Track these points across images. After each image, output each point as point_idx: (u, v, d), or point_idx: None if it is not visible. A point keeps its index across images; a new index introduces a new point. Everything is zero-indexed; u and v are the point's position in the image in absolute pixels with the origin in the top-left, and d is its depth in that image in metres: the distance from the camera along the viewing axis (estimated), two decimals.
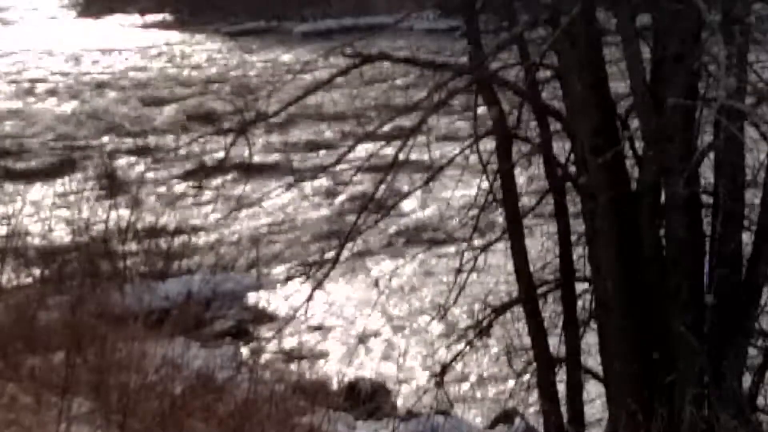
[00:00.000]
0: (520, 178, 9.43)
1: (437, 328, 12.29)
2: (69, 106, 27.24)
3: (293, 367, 8.93)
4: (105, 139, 23.78)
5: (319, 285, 8.43)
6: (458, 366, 10.05)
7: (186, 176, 19.64)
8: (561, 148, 9.25)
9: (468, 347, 9.76)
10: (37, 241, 13.64)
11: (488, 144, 9.10)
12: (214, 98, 25.60)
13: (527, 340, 9.47)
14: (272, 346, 9.63)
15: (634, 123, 8.44)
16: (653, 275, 8.25)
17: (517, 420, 10.46)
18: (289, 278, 12.87)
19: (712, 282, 8.28)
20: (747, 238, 8.49)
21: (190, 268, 14.22)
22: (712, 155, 8.28)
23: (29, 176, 20.07)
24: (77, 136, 23.88)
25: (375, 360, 12.90)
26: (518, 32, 8.60)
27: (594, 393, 10.08)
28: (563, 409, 9.27)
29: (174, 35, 39.17)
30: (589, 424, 9.81)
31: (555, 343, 9.36)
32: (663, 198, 8.27)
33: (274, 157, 20.54)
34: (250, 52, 35.45)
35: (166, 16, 42.71)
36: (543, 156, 9.23)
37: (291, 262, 15.56)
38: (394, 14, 23.94)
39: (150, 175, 20.46)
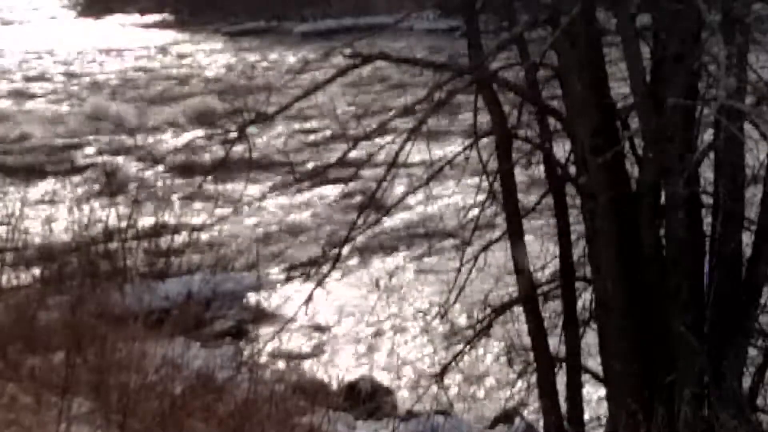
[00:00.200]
0: (520, 178, 9.42)
1: (437, 328, 12.28)
2: (69, 106, 27.26)
3: (293, 367, 8.93)
4: (105, 139, 23.78)
5: (319, 285, 8.43)
6: (458, 366, 10.04)
7: (186, 176, 19.64)
8: (561, 148, 9.25)
9: (468, 347, 9.76)
10: (37, 241, 13.64)
11: (488, 144, 9.10)
12: (214, 98, 25.61)
13: (527, 340, 9.46)
14: (272, 346, 9.61)
15: (635, 123, 8.44)
16: (653, 275, 8.24)
17: (517, 420, 10.46)
18: (289, 278, 12.90)
19: (712, 282, 8.28)
20: (747, 238, 8.49)
21: (190, 268, 14.22)
22: (712, 155, 8.28)
23: (29, 176, 20.06)
24: (77, 136, 23.88)
25: (375, 360, 12.91)
26: (518, 32, 8.59)
27: (594, 393, 10.09)
28: (563, 409, 9.27)
29: (174, 35, 39.21)
30: (589, 424, 9.81)
31: (555, 343, 9.36)
32: (663, 198, 8.28)
33: (275, 157, 20.54)
34: (250, 52, 35.47)
35: (166, 16, 42.77)
36: (543, 156, 9.23)
37: (291, 262, 15.57)
38: (394, 14, 23.95)
39: (150, 175, 20.48)
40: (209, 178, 14.10)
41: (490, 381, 12.10)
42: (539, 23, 8.77)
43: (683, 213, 8.07)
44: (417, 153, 8.33)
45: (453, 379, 10.53)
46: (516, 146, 9.11)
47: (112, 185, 16.71)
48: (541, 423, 9.51)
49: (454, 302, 9.66)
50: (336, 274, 11.06)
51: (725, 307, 8.23)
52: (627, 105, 8.58)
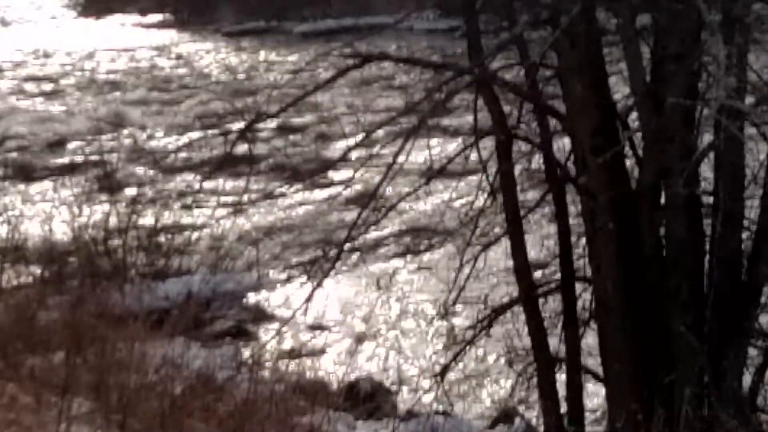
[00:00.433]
0: (520, 178, 9.42)
1: (437, 328, 12.28)
2: (69, 106, 27.25)
3: (293, 367, 8.91)
4: (105, 138, 23.76)
5: (319, 285, 8.42)
6: (458, 366, 10.04)
7: (186, 176, 19.63)
8: (561, 148, 9.25)
9: (468, 347, 9.76)
10: (37, 241, 13.64)
11: (488, 144, 9.10)
12: (214, 98, 25.59)
13: (527, 340, 9.47)
14: (272, 346, 9.61)
15: (635, 123, 8.44)
16: (653, 275, 8.24)
17: (517, 420, 10.46)
18: (289, 278, 12.92)
19: (712, 282, 8.28)
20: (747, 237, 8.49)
21: (190, 268, 14.22)
22: (712, 155, 8.28)
23: (29, 176, 20.06)
24: (77, 136, 23.87)
25: (375, 360, 12.90)
26: (518, 32, 8.59)
27: (594, 393, 10.09)
28: (563, 409, 9.27)
29: (174, 35, 39.17)
30: (589, 424, 9.81)
31: (555, 343, 9.36)
32: (663, 198, 8.27)
33: (275, 157, 20.54)
34: (250, 52, 35.45)
35: (166, 16, 42.71)
36: (543, 156, 9.23)
37: (291, 262, 15.59)
38: (394, 14, 23.90)
39: (150, 174, 20.47)
40: (209, 178, 14.10)
41: (490, 381, 12.10)
42: (539, 23, 8.78)
43: (683, 213, 8.07)
44: (417, 153, 8.33)
45: (453, 379, 10.51)
46: (516, 146, 9.11)
47: (112, 185, 16.68)
48: (541, 423, 9.52)
49: (454, 302, 9.66)
50: (336, 274, 11.05)
51: (725, 307, 8.23)
52: (627, 105, 8.58)
